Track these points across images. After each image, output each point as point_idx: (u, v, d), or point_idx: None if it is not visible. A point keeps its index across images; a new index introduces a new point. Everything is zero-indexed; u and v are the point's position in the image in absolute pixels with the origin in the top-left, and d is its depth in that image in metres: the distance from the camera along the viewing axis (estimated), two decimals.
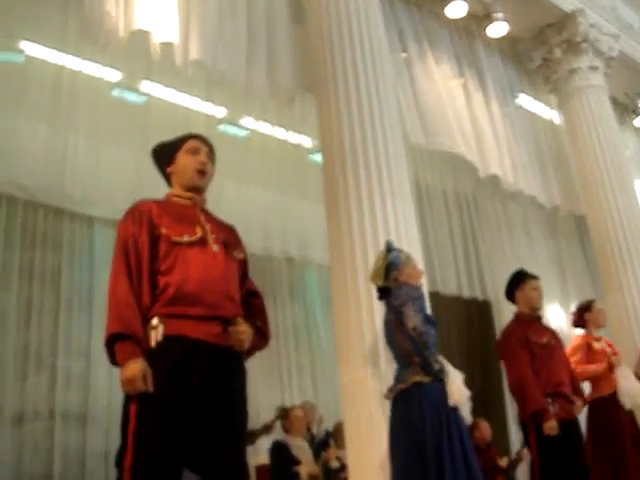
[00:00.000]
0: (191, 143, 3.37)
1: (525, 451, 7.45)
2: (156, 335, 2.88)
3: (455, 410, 4.05)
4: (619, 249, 7.77)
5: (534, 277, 5.63)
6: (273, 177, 8.97)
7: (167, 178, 3.43)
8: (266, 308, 3.37)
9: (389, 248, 4.47)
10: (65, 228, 8.40)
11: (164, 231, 3.06)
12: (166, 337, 2.88)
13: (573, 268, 10.79)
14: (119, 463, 2.76)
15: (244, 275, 3.30)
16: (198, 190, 3.33)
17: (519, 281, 5.58)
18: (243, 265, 3.31)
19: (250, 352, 3.15)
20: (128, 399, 2.83)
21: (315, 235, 8.15)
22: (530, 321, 5.43)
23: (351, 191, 5.24)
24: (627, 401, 5.63)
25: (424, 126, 7.00)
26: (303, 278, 10.07)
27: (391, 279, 4.36)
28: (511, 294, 5.61)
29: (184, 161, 3.32)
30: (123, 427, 2.81)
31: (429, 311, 5.04)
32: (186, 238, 3.06)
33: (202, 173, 3.31)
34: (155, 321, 2.90)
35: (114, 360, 2.86)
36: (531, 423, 5.06)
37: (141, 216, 3.11)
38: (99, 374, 7.80)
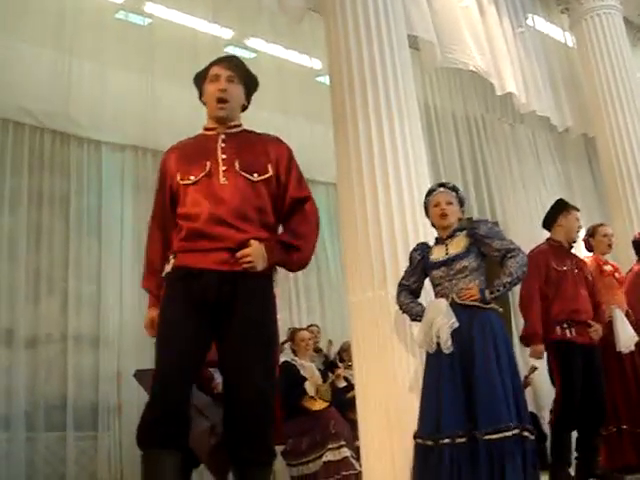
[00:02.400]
0: (213, 70, 3.29)
1: (532, 377, 7.55)
2: (168, 268, 3.11)
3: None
4: (628, 172, 7.75)
5: (578, 209, 5.67)
6: (281, 99, 8.91)
7: None
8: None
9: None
10: (72, 153, 8.37)
11: (178, 177, 3.17)
12: (174, 268, 3.08)
13: (581, 191, 10.77)
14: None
15: (281, 188, 3.24)
16: (220, 120, 3.29)
17: (564, 210, 5.60)
18: (271, 181, 3.21)
19: (281, 266, 3.21)
20: None
21: (322, 157, 8.12)
22: (559, 248, 5.47)
23: (359, 111, 5.20)
24: (623, 346, 5.67)
25: (440, 44, 6.92)
26: None
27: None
28: (552, 221, 5.62)
29: (207, 90, 3.29)
30: None
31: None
32: (192, 178, 3.13)
33: (221, 101, 3.24)
34: (170, 257, 3.12)
35: None
36: (551, 347, 5.15)
37: (162, 168, 3.30)
38: (110, 297, 7.88)
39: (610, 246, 6.13)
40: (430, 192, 4.57)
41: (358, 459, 5.33)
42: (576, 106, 8.65)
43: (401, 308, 4.51)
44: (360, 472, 5.19)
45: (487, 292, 4.17)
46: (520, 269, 4.20)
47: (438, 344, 4.08)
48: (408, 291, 4.49)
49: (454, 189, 4.55)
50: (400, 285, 4.53)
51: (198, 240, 3.05)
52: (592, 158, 10.70)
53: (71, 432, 7.56)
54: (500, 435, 3.81)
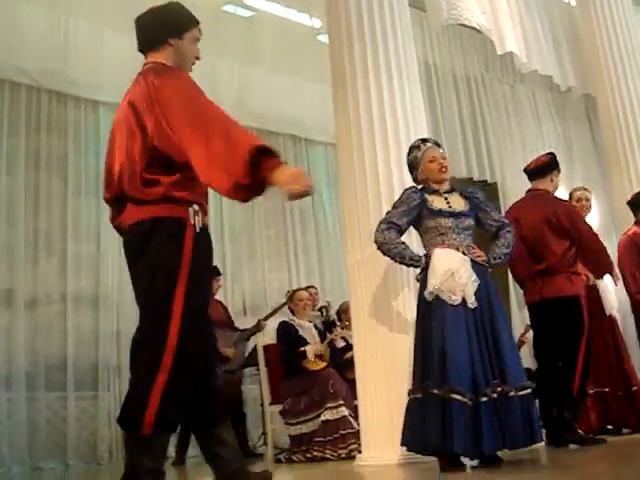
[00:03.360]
0: (197, 32, 3.25)
1: (527, 335, 7.58)
2: (198, 222, 2.91)
3: None
4: (627, 131, 7.71)
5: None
6: (280, 59, 8.86)
7: None
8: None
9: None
10: (70, 113, 8.34)
11: None
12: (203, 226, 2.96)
13: (580, 150, 10.76)
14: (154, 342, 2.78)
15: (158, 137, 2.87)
16: None
17: None
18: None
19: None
20: (172, 282, 2.81)
21: (322, 117, 8.08)
22: None
23: (358, 71, 5.15)
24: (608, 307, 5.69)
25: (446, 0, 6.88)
26: (308, 158, 10.04)
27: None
28: None
29: (190, 49, 3.22)
30: (162, 310, 2.81)
31: None
32: None
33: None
34: (197, 207, 2.92)
35: (254, 173, 2.63)
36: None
37: None
38: (109, 257, 7.90)
39: (584, 209, 6.11)
40: (416, 148, 4.45)
41: (356, 418, 5.38)
42: (578, 65, 8.60)
43: (388, 248, 4.23)
44: (358, 431, 5.24)
45: (491, 258, 4.20)
46: (513, 245, 4.29)
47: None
48: (397, 231, 4.24)
49: (438, 145, 4.51)
50: (389, 223, 4.25)
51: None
52: (592, 118, 10.67)
53: (71, 392, 7.63)
54: (528, 391, 3.86)
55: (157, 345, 2.73)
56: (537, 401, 4.42)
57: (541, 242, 5.15)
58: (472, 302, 3.97)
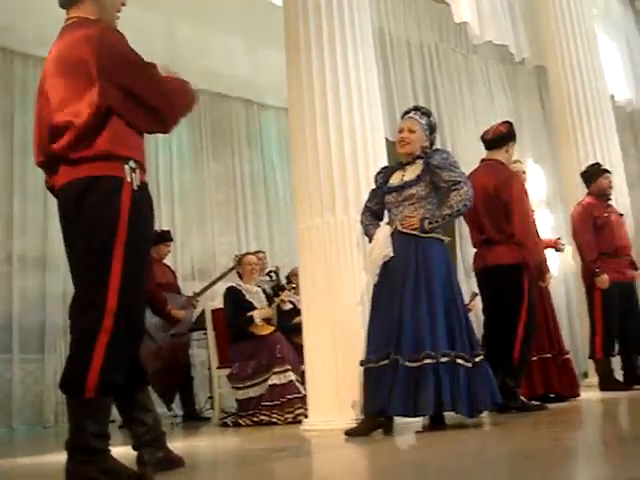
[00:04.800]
0: None
1: (474, 303, 7.66)
2: (136, 179, 2.82)
3: None
4: (577, 104, 7.79)
5: None
6: (236, 22, 8.76)
7: None
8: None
9: None
10: (17, 70, 8.17)
11: None
12: (141, 183, 2.88)
13: (530, 122, 10.89)
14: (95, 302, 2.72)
15: None
16: None
17: None
18: None
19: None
20: (109, 243, 2.74)
21: (274, 81, 8.04)
22: None
23: (312, 36, 5.11)
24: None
25: None
26: (260, 122, 9.98)
27: None
28: None
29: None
30: (100, 272, 2.74)
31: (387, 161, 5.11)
32: None
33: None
34: (133, 164, 2.84)
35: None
36: None
37: None
38: (56, 218, 7.78)
39: None
40: (402, 116, 4.59)
41: (303, 383, 5.42)
42: (533, 37, 8.64)
43: (363, 229, 4.58)
44: (305, 396, 5.28)
45: (426, 222, 4.21)
46: (462, 203, 4.23)
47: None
48: (370, 212, 4.54)
49: (427, 114, 4.53)
50: (364, 206, 4.58)
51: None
52: (543, 91, 10.78)
53: (17, 354, 7.56)
54: (420, 363, 3.93)
55: (97, 308, 2.68)
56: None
57: (486, 212, 5.18)
58: (375, 275, 4.24)
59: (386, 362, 3.99)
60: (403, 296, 4.08)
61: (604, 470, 2.38)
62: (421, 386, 3.89)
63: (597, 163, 6.95)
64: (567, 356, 5.85)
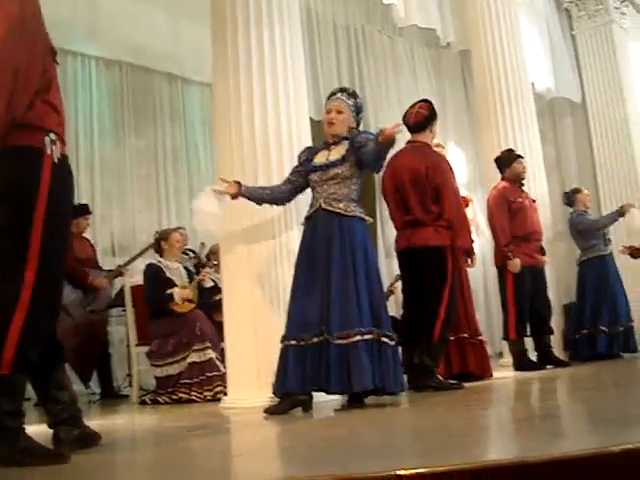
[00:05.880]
0: None
1: (396, 285, 7.75)
2: (56, 151, 2.75)
3: None
4: (499, 89, 7.88)
5: None
6: None
7: None
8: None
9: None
10: None
11: None
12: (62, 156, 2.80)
13: (454, 105, 11.02)
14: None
15: None
16: None
17: None
18: None
19: None
20: (28, 215, 2.66)
21: (198, 56, 7.94)
22: None
23: (239, 14, 5.04)
24: None
25: None
26: (183, 97, 9.83)
27: None
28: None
29: None
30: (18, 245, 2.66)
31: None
32: None
33: None
34: (53, 136, 2.77)
35: None
36: None
37: None
38: None
39: None
40: (329, 97, 4.62)
41: (223, 361, 5.41)
42: (458, 22, 8.71)
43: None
44: (224, 374, 5.28)
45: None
46: (370, 153, 4.22)
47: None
48: (287, 183, 4.59)
49: (353, 95, 4.57)
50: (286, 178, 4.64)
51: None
52: (466, 76, 10.93)
53: None
54: (350, 340, 3.98)
55: (14, 281, 2.62)
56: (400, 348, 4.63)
57: (414, 193, 5.24)
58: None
59: (314, 340, 4.04)
60: (330, 273, 4.12)
61: (515, 445, 2.46)
62: (352, 363, 3.95)
63: (510, 149, 7.08)
64: (480, 337, 5.98)
